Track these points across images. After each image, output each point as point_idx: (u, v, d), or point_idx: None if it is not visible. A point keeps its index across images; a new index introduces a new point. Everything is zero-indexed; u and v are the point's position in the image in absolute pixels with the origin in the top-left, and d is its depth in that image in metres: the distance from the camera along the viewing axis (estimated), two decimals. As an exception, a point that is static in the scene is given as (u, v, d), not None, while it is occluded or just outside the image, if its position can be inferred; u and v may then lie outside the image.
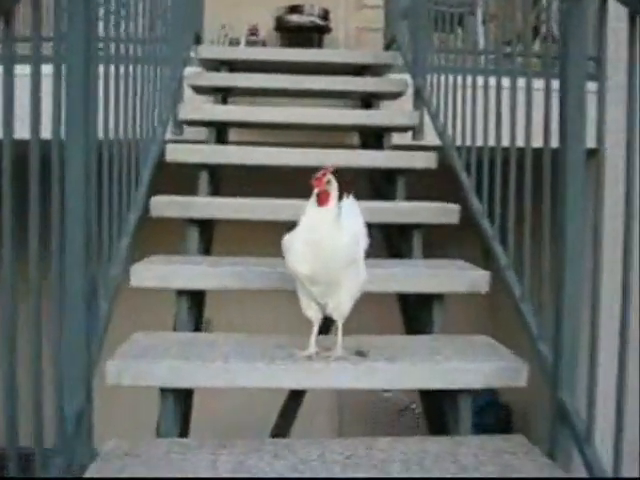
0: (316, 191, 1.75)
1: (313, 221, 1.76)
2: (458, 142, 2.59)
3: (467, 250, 2.77)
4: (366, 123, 3.18)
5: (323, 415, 5.26)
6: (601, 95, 1.54)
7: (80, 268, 1.49)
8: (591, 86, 1.61)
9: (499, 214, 2.14)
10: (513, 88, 2.04)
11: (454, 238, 3.27)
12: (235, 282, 2.09)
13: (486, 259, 2.20)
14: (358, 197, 1.98)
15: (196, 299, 2.24)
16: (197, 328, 2.33)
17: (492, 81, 2.26)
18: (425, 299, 2.22)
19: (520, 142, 1.97)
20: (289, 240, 1.78)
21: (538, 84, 1.84)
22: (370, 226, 1.95)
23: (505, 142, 2.11)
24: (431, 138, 3.16)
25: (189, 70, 3.39)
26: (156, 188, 2.44)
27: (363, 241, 1.86)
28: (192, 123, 3.17)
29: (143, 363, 1.76)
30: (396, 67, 3.58)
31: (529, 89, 1.91)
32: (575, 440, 1.58)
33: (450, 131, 2.69)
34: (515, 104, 2.03)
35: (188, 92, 3.35)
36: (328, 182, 1.76)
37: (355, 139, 3.64)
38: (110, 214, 1.80)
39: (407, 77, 3.39)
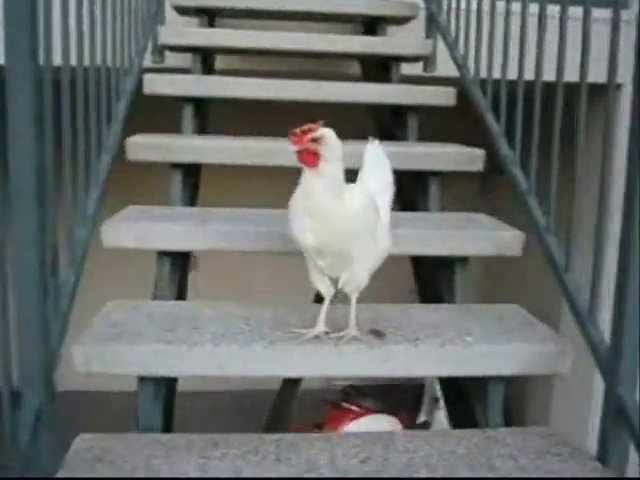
0: (294, 149, 1.42)
1: (308, 186, 1.46)
2: (482, 74, 2.24)
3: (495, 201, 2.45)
4: (371, 51, 2.79)
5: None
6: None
7: (32, 231, 1.17)
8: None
9: (534, 165, 1.82)
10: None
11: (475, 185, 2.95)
12: (225, 243, 1.77)
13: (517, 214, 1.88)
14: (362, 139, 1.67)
15: (180, 261, 1.93)
16: (181, 295, 2.04)
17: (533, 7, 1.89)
18: (445, 262, 1.93)
19: (572, 76, 1.63)
20: (294, 204, 1.48)
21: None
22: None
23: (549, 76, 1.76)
24: (445, 69, 2.82)
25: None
26: (133, 126, 2.10)
27: (388, 194, 1.62)
28: (174, 48, 2.78)
29: (116, 347, 1.45)
30: (405, -13, 3.17)
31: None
32: (635, 442, 1.32)
33: (472, 63, 2.33)
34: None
35: (170, 13, 2.94)
36: (316, 140, 1.42)
37: (357, 69, 3.26)
38: (74, 159, 1.47)
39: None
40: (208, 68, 2.87)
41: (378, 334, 1.58)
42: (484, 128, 2.13)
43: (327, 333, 1.54)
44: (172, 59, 2.89)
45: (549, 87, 1.73)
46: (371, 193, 1.54)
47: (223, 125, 2.52)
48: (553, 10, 1.75)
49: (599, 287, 1.52)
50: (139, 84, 2.28)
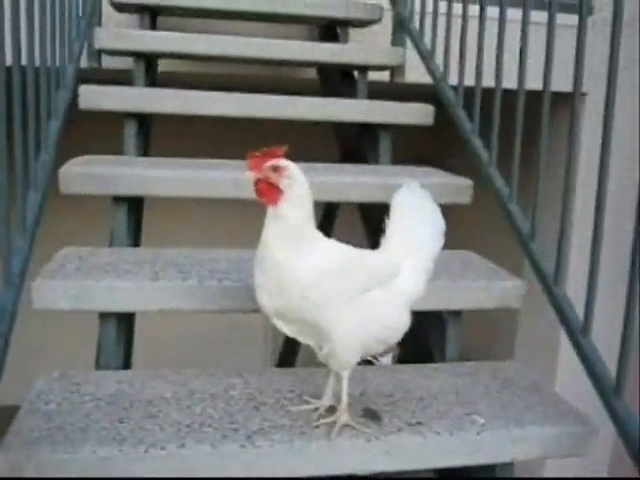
0: (250, 176, 1.17)
1: (264, 230, 1.21)
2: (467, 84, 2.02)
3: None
4: (333, 60, 2.50)
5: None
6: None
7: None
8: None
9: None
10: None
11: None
12: (182, 302, 1.48)
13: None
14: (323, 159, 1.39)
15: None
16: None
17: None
18: (437, 315, 1.69)
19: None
20: (257, 251, 1.23)
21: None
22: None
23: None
24: (415, 75, 2.58)
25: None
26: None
27: (428, 252, 1.32)
28: (114, 53, 2.43)
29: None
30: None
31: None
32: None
33: (448, 77, 2.11)
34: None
35: (107, 8, 2.59)
36: (277, 170, 1.17)
37: (315, 74, 2.98)
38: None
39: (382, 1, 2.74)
40: (152, 73, 2.54)
41: (373, 415, 1.32)
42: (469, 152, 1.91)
43: (319, 412, 1.30)
44: (111, 61, 2.55)
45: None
46: (391, 255, 1.29)
47: (172, 142, 2.22)
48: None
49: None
50: (74, 96, 1.95)
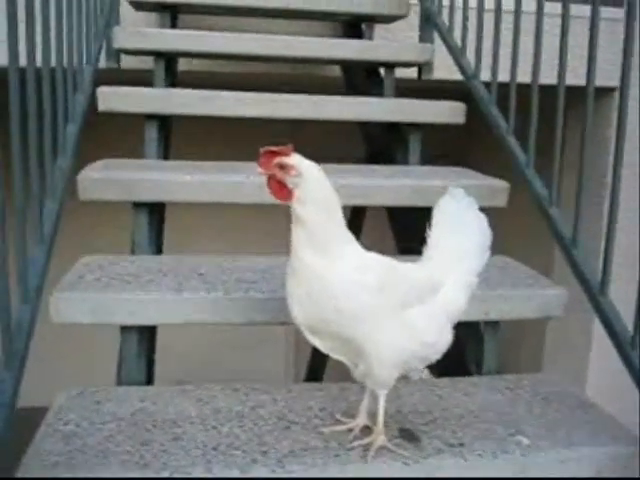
0: (260, 172, 1.13)
1: (292, 232, 1.14)
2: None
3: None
4: (358, 57, 2.42)
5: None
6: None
7: None
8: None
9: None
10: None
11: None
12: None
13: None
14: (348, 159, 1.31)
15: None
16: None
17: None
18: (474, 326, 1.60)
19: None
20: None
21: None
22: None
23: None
24: (444, 72, 2.50)
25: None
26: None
27: (471, 264, 1.23)
28: (133, 52, 2.37)
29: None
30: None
31: None
32: None
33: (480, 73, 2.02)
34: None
35: (125, 7, 2.53)
36: (283, 168, 1.11)
37: (338, 71, 2.90)
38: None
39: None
40: (172, 73, 2.47)
41: (410, 436, 1.24)
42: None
43: (353, 433, 1.23)
44: (130, 61, 2.49)
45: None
46: (430, 266, 1.21)
47: (194, 145, 2.15)
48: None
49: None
50: (92, 99, 1.89)
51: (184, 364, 3.73)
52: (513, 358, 3.74)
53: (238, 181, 1.72)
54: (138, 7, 2.58)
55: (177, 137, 2.40)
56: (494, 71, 1.97)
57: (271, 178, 1.13)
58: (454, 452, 1.19)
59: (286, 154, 1.12)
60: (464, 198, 1.25)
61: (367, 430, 1.24)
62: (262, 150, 1.13)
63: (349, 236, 1.17)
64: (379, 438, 1.19)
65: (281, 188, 1.13)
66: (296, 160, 1.12)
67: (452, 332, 1.20)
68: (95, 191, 1.67)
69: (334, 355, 1.18)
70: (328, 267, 1.10)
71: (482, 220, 1.24)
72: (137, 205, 1.73)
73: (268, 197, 1.14)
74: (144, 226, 1.72)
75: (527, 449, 1.22)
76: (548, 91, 1.69)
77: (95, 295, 1.37)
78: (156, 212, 1.80)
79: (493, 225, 1.23)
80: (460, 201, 1.24)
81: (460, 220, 1.22)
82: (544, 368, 3.60)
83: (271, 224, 1.50)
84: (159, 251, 1.87)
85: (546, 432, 1.28)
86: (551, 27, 1.95)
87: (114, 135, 2.28)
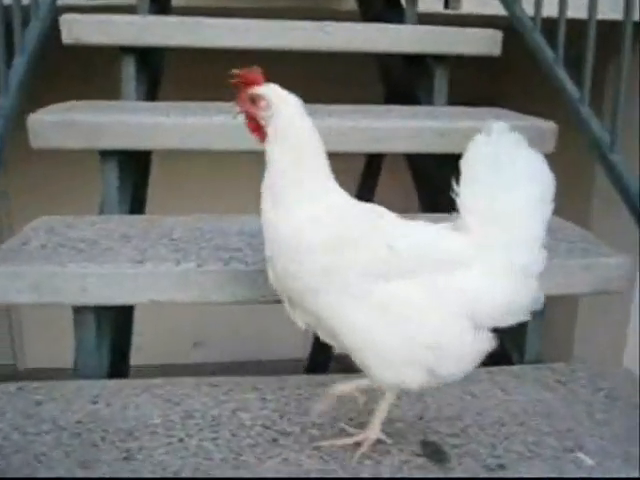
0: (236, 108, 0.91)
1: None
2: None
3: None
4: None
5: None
6: None
7: None
8: None
9: None
10: None
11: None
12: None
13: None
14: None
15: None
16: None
17: None
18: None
19: None
20: None
21: None
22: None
23: None
24: (473, 5, 2.15)
25: None
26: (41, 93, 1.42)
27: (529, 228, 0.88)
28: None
29: None
30: None
31: None
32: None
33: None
34: None
35: None
36: (254, 100, 0.88)
37: (351, 4, 2.54)
38: None
39: None
40: (161, 7, 2.14)
41: (436, 453, 0.95)
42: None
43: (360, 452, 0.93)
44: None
45: None
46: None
47: (184, 86, 1.84)
48: None
49: None
50: (52, 28, 1.58)
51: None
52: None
53: (223, 122, 1.40)
54: None
55: (167, 79, 2.09)
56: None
57: (247, 115, 0.89)
58: (492, 477, 0.90)
59: (255, 82, 0.87)
60: (507, 135, 0.89)
61: (380, 445, 0.95)
62: (231, 80, 0.88)
63: (325, 184, 0.90)
64: (372, 433, 0.94)
65: (257, 127, 0.89)
66: (266, 90, 0.87)
67: (484, 339, 0.88)
68: (50, 137, 1.37)
69: (321, 336, 0.90)
70: (282, 218, 0.87)
71: (537, 162, 0.89)
72: (104, 154, 1.43)
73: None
74: (112, 180, 1.42)
75: (590, 470, 0.92)
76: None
77: (34, 268, 1.08)
78: (130, 163, 1.50)
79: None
80: (502, 139, 0.89)
81: (503, 166, 0.88)
82: (575, 348, 3.27)
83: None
84: (136, 211, 1.58)
85: (613, 445, 0.98)
86: None
87: (84, 75, 1.96)
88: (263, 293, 1.10)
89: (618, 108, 1.31)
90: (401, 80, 2.03)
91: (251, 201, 1.04)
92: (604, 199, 3.03)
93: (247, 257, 1.15)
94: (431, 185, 1.73)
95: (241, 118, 0.91)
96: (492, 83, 3.85)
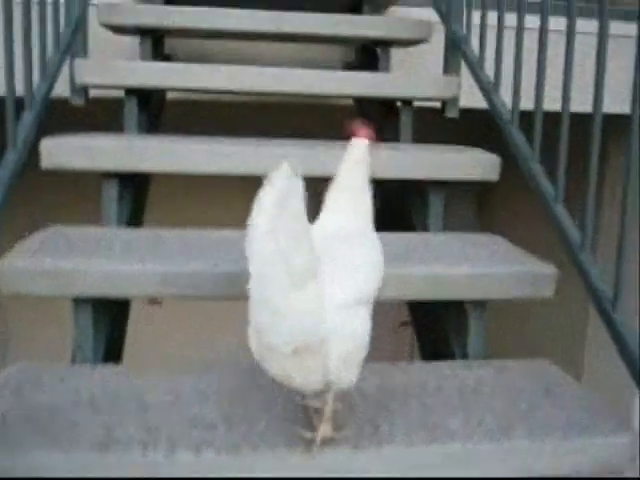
0: None
1: None
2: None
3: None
4: (371, 93, 2.03)
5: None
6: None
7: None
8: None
9: None
10: None
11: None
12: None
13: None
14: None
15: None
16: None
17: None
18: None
19: None
20: None
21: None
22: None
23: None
24: (469, 100, 2.10)
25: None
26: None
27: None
28: (103, 87, 1.99)
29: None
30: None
31: None
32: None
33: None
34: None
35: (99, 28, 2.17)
36: None
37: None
38: None
39: (431, 14, 2.25)
40: (151, 124, 2.09)
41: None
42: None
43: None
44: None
45: None
46: None
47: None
48: None
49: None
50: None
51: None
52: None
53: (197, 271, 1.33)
54: (113, 30, 2.21)
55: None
56: (536, 116, 1.56)
57: None
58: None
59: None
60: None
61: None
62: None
63: None
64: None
65: None
66: None
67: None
68: (18, 285, 1.29)
69: None
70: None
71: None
72: (77, 301, 1.35)
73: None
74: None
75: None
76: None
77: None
78: (106, 310, 1.42)
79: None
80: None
81: None
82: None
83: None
84: (114, 359, 1.49)
85: None
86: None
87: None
88: None
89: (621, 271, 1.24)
90: (396, 202, 1.95)
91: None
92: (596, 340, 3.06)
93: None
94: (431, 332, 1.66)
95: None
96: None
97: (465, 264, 1.42)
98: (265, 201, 0.82)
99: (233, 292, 1.33)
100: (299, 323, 0.85)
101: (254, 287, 0.86)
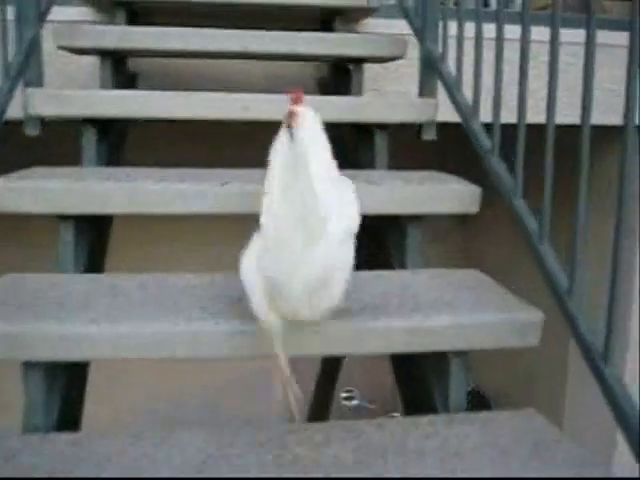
0: None
1: None
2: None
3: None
4: (345, 119, 1.93)
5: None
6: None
7: None
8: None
9: None
10: None
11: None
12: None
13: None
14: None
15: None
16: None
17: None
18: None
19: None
20: None
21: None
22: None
23: None
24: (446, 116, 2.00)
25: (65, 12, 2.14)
26: None
27: None
28: (58, 118, 1.86)
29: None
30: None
31: None
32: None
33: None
34: None
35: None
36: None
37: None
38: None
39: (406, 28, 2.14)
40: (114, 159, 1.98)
41: None
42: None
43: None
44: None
45: None
46: None
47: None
48: None
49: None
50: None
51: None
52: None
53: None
54: (74, 51, 2.10)
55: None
56: (519, 144, 1.46)
57: None
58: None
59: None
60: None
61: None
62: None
63: None
64: None
65: None
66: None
67: None
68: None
69: None
70: None
71: None
72: (27, 364, 1.24)
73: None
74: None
75: None
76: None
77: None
78: (63, 375, 1.31)
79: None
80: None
81: None
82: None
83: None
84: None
85: None
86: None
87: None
88: None
89: (612, 321, 1.15)
90: (374, 235, 1.85)
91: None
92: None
93: None
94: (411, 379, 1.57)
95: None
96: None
97: (446, 313, 1.33)
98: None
99: (199, 353, 1.25)
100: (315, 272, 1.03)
101: (272, 243, 1.04)
